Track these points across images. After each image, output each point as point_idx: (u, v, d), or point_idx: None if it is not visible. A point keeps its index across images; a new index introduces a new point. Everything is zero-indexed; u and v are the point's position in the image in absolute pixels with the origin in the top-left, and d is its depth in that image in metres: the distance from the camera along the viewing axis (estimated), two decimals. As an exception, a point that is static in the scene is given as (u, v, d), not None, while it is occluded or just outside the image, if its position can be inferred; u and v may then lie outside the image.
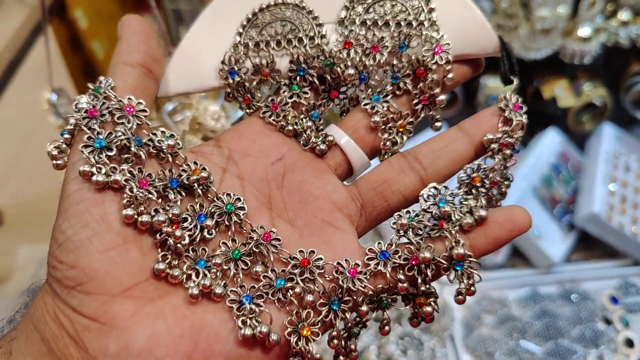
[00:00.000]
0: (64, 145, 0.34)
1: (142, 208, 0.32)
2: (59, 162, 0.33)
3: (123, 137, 0.32)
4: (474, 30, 0.36)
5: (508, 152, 0.35)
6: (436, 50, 0.35)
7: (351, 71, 0.36)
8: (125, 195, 0.31)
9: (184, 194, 0.34)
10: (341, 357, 0.34)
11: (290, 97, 0.37)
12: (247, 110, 0.38)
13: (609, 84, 1.09)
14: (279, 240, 0.34)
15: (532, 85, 1.11)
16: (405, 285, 0.33)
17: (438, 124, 0.38)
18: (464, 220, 0.33)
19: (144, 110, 0.34)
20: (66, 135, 0.33)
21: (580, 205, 1.04)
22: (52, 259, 0.31)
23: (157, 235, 0.32)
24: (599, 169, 1.05)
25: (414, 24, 0.36)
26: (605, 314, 0.94)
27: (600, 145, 1.09)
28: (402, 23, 0.36)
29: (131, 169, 0.32)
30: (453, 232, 0.33)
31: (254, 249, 0.33)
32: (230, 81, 0.37)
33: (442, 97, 0.36)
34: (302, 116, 0.37)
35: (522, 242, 1.01)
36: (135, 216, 0.31)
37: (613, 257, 1.04)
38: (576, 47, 0.98)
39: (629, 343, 0.89)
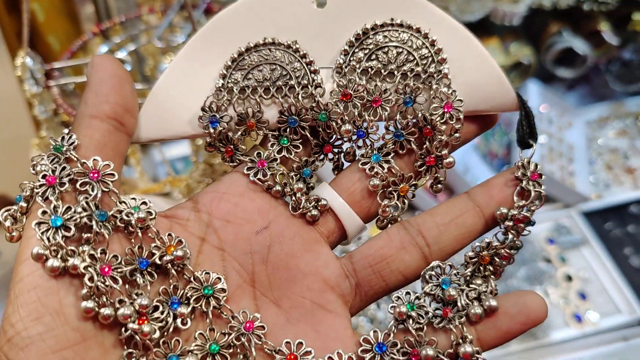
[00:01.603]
0: (18, 214, 0.30)
1: (104, 299, 0.28)
2: (13, 234, 0.30)
3: (84, 213, 0.29)
4: (490, 85, 0.33)
5: (523, 226, 0.32)
6: (447, 108, 0.32)
7: (348, 127, 0.33)
8: (84, 285, 0.28)
9: (155, 274, 0.30)
10: None
11: (279, 151, 0.34)
12: (230, 164, 0.34)
13: (530, 43, 1.22)
14: (263, 328, 0.31)
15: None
16: None
17: (440, 185, 0.35)
18: (472, 311, 0.31)
19: (112, 174, 0.30)
20: (22, 204, 0.30)
21: (516, 157, 1.09)
22: (1, 355, 0.27)
23: (122, 329, 0.29)
24: None
25: (422, 75, 0.33)
26: (544, 254, 1.06)
27: (528, 101, 1.14)
28: (409, 74, 0.33)
29: (92, 252, 0.28)
30: (459, 324, 0.30)
31: (235, 341, 0.30)
32: (212, 130, 0.33)
33: (450, 159, 0.33)
34: (292, 174, 0.34)
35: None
36: (96, 309, 0.28)
37: (546, 203, 1.11)
38: (507, 9, 1.08)
39: (568, 278, 1.02)
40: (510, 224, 0.32)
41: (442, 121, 0.32)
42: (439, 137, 0.32)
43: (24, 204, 0.29)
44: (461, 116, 0.32)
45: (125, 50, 0.68)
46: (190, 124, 0.34)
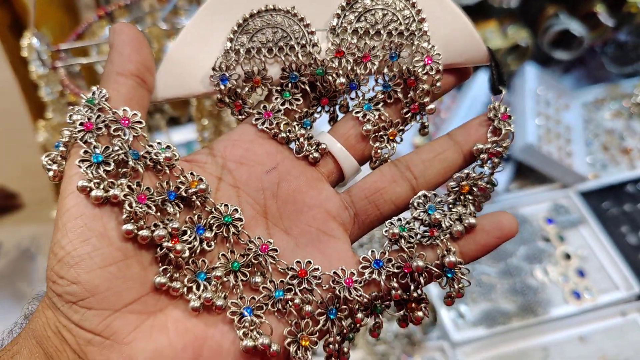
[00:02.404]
0: (58, 158, 0.34)
1: (142, 223, 0.33)
2: (54, 173, 0.34)
3: (121, 151, 0.33)
4: (464, 40, 0.38)
5: (497, 160, 0.37)
6: (427, 60, 0.37)
7: (343, 80, 0.38)
8: (124, 211, 0.32)
9: (181, 205, 0.35)
10: (334, 359, 0.36)
11: (282, 104, 0.39)
12: (239, 117, 0.40)
13: (527, 26, 1.24)
14: (276, 250, 0.36)
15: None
16: (399, 292, 0.35)
17: (426, 129, 0.40)
18: (454, 228, 0.36)
19: (140, 122, 0.35)
20: (61, 148, 0.34)
21: (516, 138, 1.13)
22: (52, 274, 0.31)
23: (158, 249, 0.33)
24: (527, 105, 1.20)
25: (405, 33, 0.38)
26: (543, 233, 1.10)
27: (525, 84, 1.23)
28: (394, 32, 0.38)
29: (129, 184, 0.33)
30: (444, 240, 0.36)
31: (253, 260, 0.35)
32: (222, 87, 0.38)
33: (432, 105, 0.39)
34: (294, 123, 0.39)
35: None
36: (135, 231, 0.32)
37: (543, 183, 1.15)
38: (505, -9, 1.08)
39: (567, 256, 1.06)
40: (485, 156, 0.37)
41: (423, 72, 0.37)
42: (421, 86, 0.38)
43: (64, 148, 0.34)
44: (440, 68, 0.38)
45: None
46: (202, 83, 0.39)
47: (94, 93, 0.34)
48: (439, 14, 0.38)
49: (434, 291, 0.99)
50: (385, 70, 0.39)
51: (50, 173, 0.34)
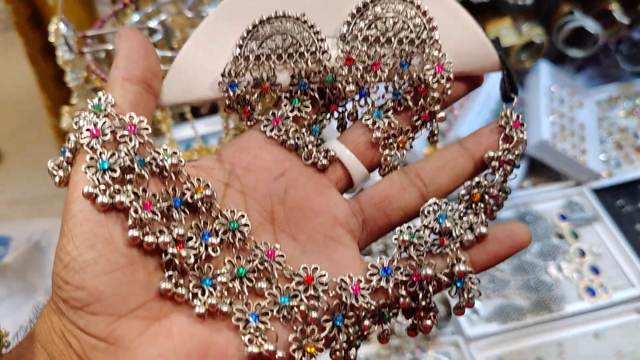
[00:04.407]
0: (64, 164, 0.34)
1: (147, 229, 0.32)
2: (60, 179, 0.34)
3: (127, 157, 0.33)
4: (475, 48, 0.37)
5: (509, 168, 0.36)
6: (438, 68, 0.36)
7: (352, 87, 0.37)
8: (130, 217, 0.32)
9: (187, 211, 0.34)
10: None
11: (291, 111, 0.38)
12: (248, 123, 0.39)
13: (541, 24, 1.22)
14: (283, 256, 0.35)
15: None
16: (407, 301, 0.34)
17: (436, 137, 0.39)
18: (465, 237, 0.34)
19: (146, 128, 0.34)
20: (67, 154, 0.34)
21: (530, 135, 1.12)
22: (58, 279, 0.31)
23: (163, 255, 0.33)
24: (541, 102, 1.18)
25: (416, 41, 0.37)
26: (557, 230, 1.08)
27: (539, 81, 1.22)
28: (404, 40, 0.37)
29: (135, 190, 0.32)
30: (454, 249, 0.34)
31: (259, 266, 0.34)
32: (231, 94, 0.37)
33: (442, 114, 0.38)
34: (303, 130, 0.38)
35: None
36: (141, 237, 0.32)
37: (557, 181, 1.14)
38: (518, -10, 1.06)
39: (581, 253, 1.03)
40: (497, 164, 0.36)
41: (434, 80, 0.36)
42: (432, 94, 0.37)
43: (69, 155, 0.34)
44: (451, 75, 0.37)
45: (156, 20, 0.70)
46: (211, 88, 0.38)
47: (99, 99, 0.34)
48: (450, 22, 0.37)
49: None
50: (396, 78, 0.38)
51: (56, 179, 0.34)
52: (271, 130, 0.38)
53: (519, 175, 1.13)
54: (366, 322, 0.34)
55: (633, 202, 1.12)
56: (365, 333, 0.35)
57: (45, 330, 0.32)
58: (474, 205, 0.36)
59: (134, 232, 0.31)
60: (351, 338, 0.34)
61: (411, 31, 0.37)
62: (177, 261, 0.33)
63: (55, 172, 0.34)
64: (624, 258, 1.02)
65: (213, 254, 0.34)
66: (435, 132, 0.39)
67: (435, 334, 0.92)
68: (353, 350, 0.35)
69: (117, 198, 0.32)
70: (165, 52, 0.66)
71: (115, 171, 0.32)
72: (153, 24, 0.69)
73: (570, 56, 1.23)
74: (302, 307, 0.33)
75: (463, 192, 0.36)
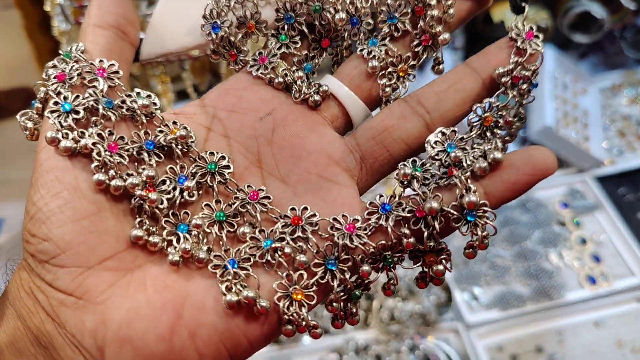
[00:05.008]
0: (35, 116, 0.32)
1: (113, 172, 0.29)
2: (30, 131, 0.32)
3: (91, 98, 0.30)
4: None
5: (524, 86, 0.31)
6: None
7: (342, 15, 0.34)
8: (94, 160, 0.29)
9: (162, 156, 0.31)
10: (340, 320, 0.31)
11: (279, 48, 0.35)
12: (235, 67, 0.36)
13: (547, 8, 1.19)
14: (268, 198, 0.31)
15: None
16: (410, 240, 0.29)
17: (441, 66, 0.35)
18: (477, 165, 0.29)
19: (117, 72, 0.32)
20: (37, 105, 0.32)
21: (533, 121, 1.09)
22: (25, 233, 0.29)
23: (132, 200, 0.30)
24: (545, 88, 1.14)
25: None
26: (558, 217, 1.06)
27: (544, 66, 1.15)
28: None
29: (100, 132, 0.30)
30: (463, 178, 0.29)
31: (240, 209, 0.31)
32: (214, 36, 0.34)
33: (446, 35, 0.33)
34: (293, 68, 0.35)
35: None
36: (107, 181, 0.29)
37: (559, 168, 1.12)
38: (524, -28, 1.03)
39: (582, 241, 1.02)
40: (508, 80, 0.31)
41: None
42: (430, 12, 0.33)
43: (40, 105, 0.31)
44: None
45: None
46: (192, 35, 0.35)
47: (71, 48, 0.32)
48: None
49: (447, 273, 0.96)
50: (389, 0, 0.33)
51: (26, 132, 0.31)
52: (257, 70, 0.34)
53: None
54: (365, 268, 0.29)
55: (635, 191, 1.10)
56: (365, 281, 0.30)
57: (14, 287, 0.29)
58: (487, 133, 0.31)
59: (99, 176, 0.29)
60: (349, 286, 0.30)
61: None
62: (147, 206, 0.29)
63: (24, 124, 0.31)
64: (625, 247, 1.00)
65: (189, 199, 0.31)
66: (441, 58, 0.34)
67: (435, 319, 0.89)
68: (353, 302, 0.30)
69: (82, 142, 0.29)
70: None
71: (78, 113, 0.30)
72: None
73: (575, 41, 1.20)
74: (288, 250, 0.29)
75: (473, 117, 0.31)
